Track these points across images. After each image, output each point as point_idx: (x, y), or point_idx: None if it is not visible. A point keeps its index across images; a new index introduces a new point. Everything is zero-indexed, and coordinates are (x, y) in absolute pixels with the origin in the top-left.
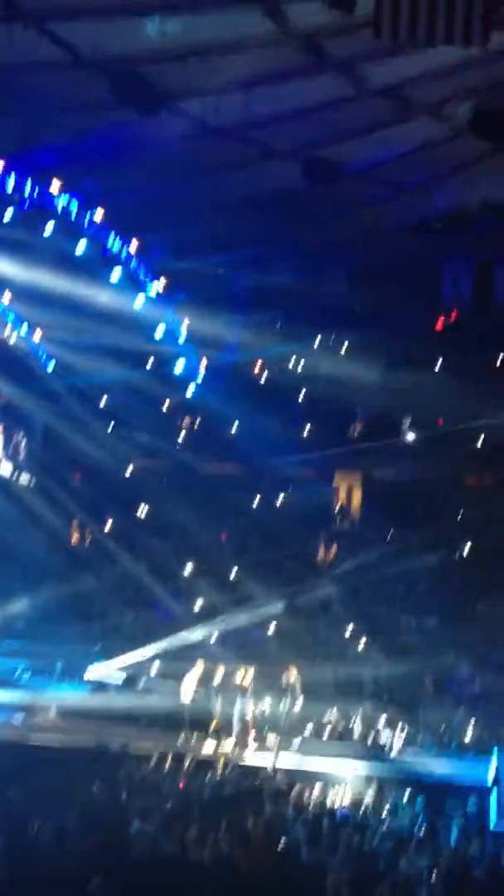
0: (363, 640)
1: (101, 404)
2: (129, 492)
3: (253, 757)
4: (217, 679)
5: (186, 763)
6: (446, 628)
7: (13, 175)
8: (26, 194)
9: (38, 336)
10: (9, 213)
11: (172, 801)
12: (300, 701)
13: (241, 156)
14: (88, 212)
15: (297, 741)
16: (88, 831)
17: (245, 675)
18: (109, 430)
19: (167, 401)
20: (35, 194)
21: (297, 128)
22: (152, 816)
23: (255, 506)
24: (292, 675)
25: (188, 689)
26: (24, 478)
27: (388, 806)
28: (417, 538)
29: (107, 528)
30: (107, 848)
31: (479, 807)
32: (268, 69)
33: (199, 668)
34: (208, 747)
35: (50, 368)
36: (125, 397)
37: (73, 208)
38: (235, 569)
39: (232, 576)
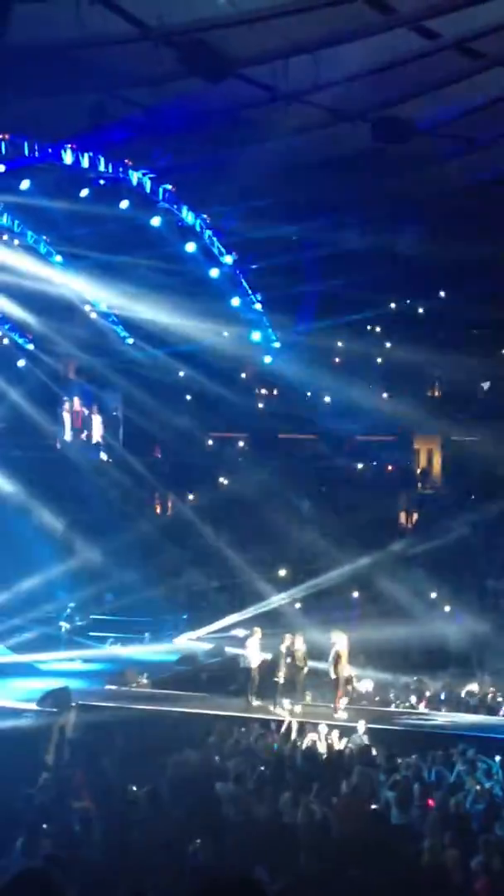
0: (447, 604)
1: (181, 375)
2: (209, 463)
3: (341, 719)
4: (296, 645)
5: (277, 727)
6: None
7: (87, 154)
8: (101, 171)
9: (116, 311)
10: (84, 192)
11: (263, 764)
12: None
13: (310, 119)
14: (161, 186)
15: (386, 704)
16: (181, 796)
17: (338, 639)
18: (188, 401)
19: (244, 372)
20: (109, 170)
21: (366, 87)
22: (244, 780)
23: (335, 472)
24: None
25: (258, 655)
26: (105, 452)
27: (480, 767)
28: (499, 500)
29: (190, 499)
30: (200, 812)
31: None
32: (335, 29)
33: (256, 635)
34: (296, 712)
35: (129, 342)
36: (203, 369)
37: (147, 182)
38: (318, 536)
39: (315, 543)
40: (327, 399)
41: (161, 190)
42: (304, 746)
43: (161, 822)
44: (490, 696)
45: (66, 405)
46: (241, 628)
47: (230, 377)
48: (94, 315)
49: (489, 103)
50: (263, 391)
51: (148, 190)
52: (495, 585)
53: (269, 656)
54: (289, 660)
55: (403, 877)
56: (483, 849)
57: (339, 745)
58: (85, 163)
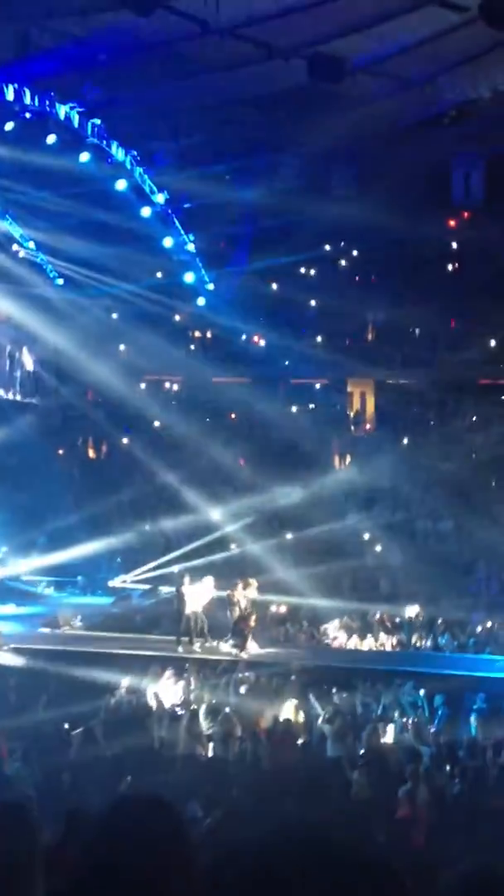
0: (379, 545)
1: (112, 317)
2: (142, 406)
3: (271, 655)
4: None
5: (207, 666)
6: (463, 531)
7: (11, 85)
8: (26, 104)
9: (43, 251)
10: (9, 125)
11: (195, 704)
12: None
13: (243, 55)
14: (90, 121)
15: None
16: (115, 735)
17: (248, 586)
18: (119, 346)
19: (177, 314)
20: (35, 103)
21: (300, 23)
22: (178, 718)
23: (269, 415)
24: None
25: (199, 597)
26: (35, 396)
27: (406, 701)
28: (431, 442)
29: (124, 443)
30: (133, 751)
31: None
32: None
33: (207, 581)
34: (225, 649)
35: (58, 283)
36: (134, 311)
37: (75, 117)
38: (250, 478)
39: (247, 485)
40: (261, 342)
41: (90, 125)
42: (236, 685)
43: (94, 761)
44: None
45: None
46: (176, 568)
47: (163, 319)
48: (22, 254)
49: (423, 41)
50: (197, 334)
51: (76, 125)
52: (425, 526)
53: (206, 600)
54: (239, 607)
55: (335, 809)
56: (409, 779)
57: (271, 682)
58: (10, 95)
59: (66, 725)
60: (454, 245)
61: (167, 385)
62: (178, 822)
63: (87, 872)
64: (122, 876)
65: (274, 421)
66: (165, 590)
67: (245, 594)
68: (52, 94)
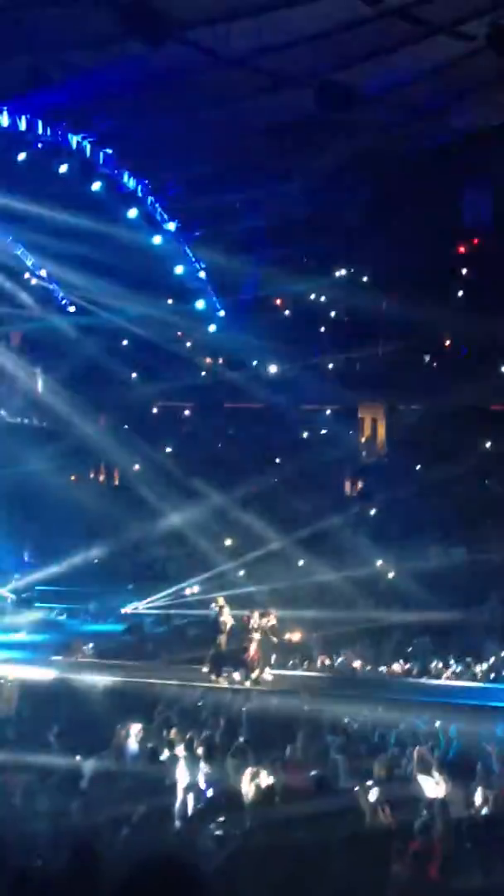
0: (391, 571)
1: (124, 344)
2: (154, 432)
3: (285, 685)
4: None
5: (224, 695)
6: (475, 560)
7: (24, 116)
8: (39, 134)
9: (54, 279)
10: (22, 155)
11: (211, 731)
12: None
13: (252, 85)
14: (102, 151)
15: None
16: (127, 764)
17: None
18: (132, 371)
19: (188, 340)
20: (47, 134)
21: (309, 53)
22: (192, 746)
23: (281, 442)
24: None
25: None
26: (46, 420)
27: (424, 731)
28: (443, 470)
29: (136, 469)
30: (147, 780)
31: None
32: None
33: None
34: (241, 680)
35: (70, 310)
36: (146, 337)
37: (87, 147)
38: (263, 504)
39: (260, 512)
40: (272, 368)
41: (102, 154)
42: (250, 713)
43: (106, 791)
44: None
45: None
46: (190, 594)
47: (175, 346)
48: (34, 281)
49: (432, 70)
50: (208, 360)
51: (88, 154)
52: (438, 552)
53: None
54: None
55: (349, 839)
56: (425, 810)
57: (286, 710)
58: (22, 125)
59: (78, 757)
60: (464, 271)
61: (178, 410)
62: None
63: None
64: None
65: (285, 447)
66: (178, 616)
67: (261, 623)
68: (65, 124)
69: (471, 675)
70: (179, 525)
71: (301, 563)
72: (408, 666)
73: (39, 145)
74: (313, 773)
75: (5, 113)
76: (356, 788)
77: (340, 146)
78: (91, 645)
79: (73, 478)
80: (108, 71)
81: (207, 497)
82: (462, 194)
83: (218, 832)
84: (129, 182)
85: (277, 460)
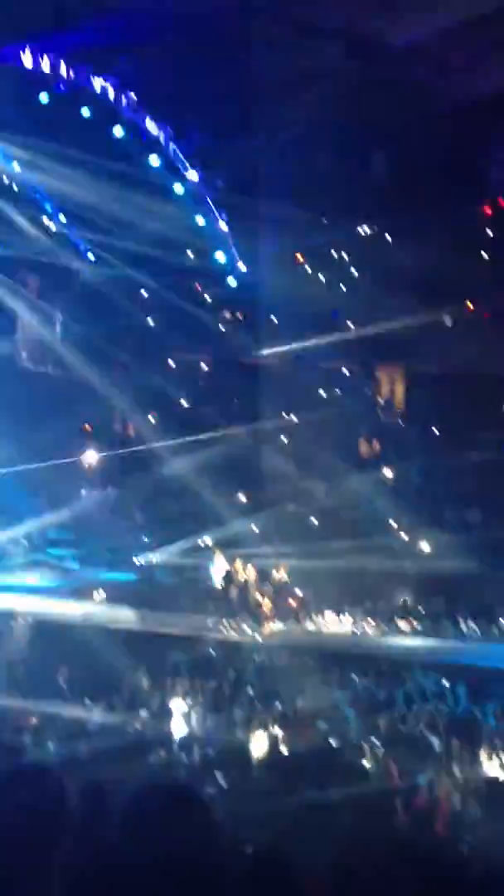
0: (406, 534)
1: (144, 295)
2: (170, 384)
3: (295, 639)
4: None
5: (234, 647)
6: (492, 524)
7: (48, 56)
8: (62, 75)
9: (74, 227)
10: (44, 97)
11: (219, 682)
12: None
13: (281, 34)
14: (125, 94)
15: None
16: (136, 709)
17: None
18: (151, 321)
19: (206, 294)
20: (70, 76)
21: (339, 3)
22: (199, 696)
23: (298, 398)
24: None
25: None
26: (63, 370)
27: (432, 690)
28: (461, 434)
29: (151, 420)
30: (152, 729)
31: None
32: None
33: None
34: (251, 633)
35: (90, 258)
36: (165, 288)
37: (110, 90)
38: (279, 462)
39: (276, 469)
40: (291, 323)
41: (125, 99)
42: (259, 665)
43: (115, 733)
44: None
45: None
46: (202, 547)
47: (193, 299)
48: (53, 228)
49: (463, 26)
50: (227, 314)
51: (111, 98)
52: (452, 516)
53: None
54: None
55: (353, 794)
56: (430, 768)
57: (292, 661)
58: (45, 66)
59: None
60: (489, 232)
61: (195, 363)
62: (201, 810)
63: (117, 853)
64: (148, 856)
65: (302, 404)
66: (190, 568)
67: (275, 576)
68: (88, 66)
69: (481, 637)
70: (193, 478)
71: (315, 521)
72: (418, 625)
73: (62, 87)
74: (320, 726)
75: (28, 53)
76: (362, 744)
77: (367, 99)
78: (103, 592)
79: (87, 427)
80: (134, 13)
81: (222, 452)
82: (489, 153)
83: (222, 782)
84: (152, 128)
85: (293, 416)
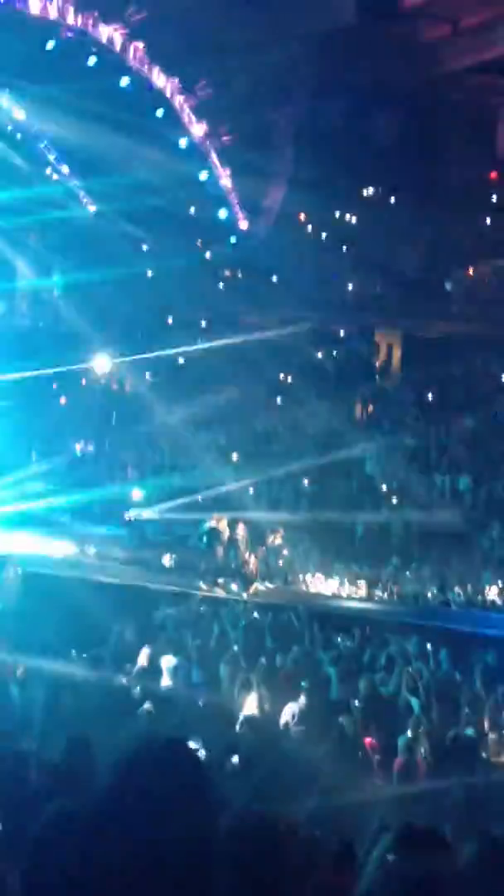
0: (395, 498)
1: (143, 249)
2: (168, 342)
3: (282, 598)
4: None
5: (221, 604)
6: (481, 490)
7: (55, 3)
8: (69, 23)
9: (77, 177)
10: (50, 44)
11: (205, 638)
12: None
13: None
14: (132, 45)
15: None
16: (123, 664)
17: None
18: (148, 277)
19: (208, 251)
20: (78, 23)
21: None
22: (186, 651)
23: (295, 360)
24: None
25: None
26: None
27: (414, 652)
28: (454, 399)
29: (147, 379)
30: (139, 684)
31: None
32: None
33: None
34: (238, 590)
35: (90, 209)
36: (166, 243)
37: (117, 40)
38: (275, 423)
39: (268, 430)
40: (291, 284)
41: (132, 49)
42: (247, 622)
43: (100, 688)
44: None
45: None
46: (195, 503)
47: (193, 255)
48: (55, 178)
49: None
50: (227, 273)
51: (118, 48)
52: (443, 481)
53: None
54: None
55: (334, 751)
56: (410, 729)
57: (280, 622)
58: (52, 12)
59: (74, 651)
60: (494, 198)
61: (194, 322)
62: (198, 765)
63: (110, 806)
64: (144, 811)
65: (298, 366)
66: (181, 525)
67: (270, 539)
68: (96, 14)
69: (466, 603)
70: (188, 438)
71: (307, 484)
72: (401, 590)
73: (69, 34)
74: (304, 684)
75: None
76: (345, 703)
77: (378, 58)
78: (93, 547)
79: (83, 381)
80: None
81: (219, 413)
82: (498, 117)
83: (205, 738)
84: (159, 80)
85: (290, 378)
